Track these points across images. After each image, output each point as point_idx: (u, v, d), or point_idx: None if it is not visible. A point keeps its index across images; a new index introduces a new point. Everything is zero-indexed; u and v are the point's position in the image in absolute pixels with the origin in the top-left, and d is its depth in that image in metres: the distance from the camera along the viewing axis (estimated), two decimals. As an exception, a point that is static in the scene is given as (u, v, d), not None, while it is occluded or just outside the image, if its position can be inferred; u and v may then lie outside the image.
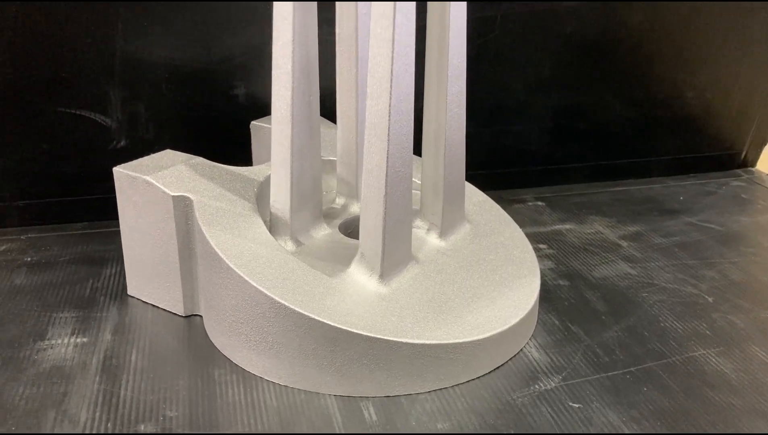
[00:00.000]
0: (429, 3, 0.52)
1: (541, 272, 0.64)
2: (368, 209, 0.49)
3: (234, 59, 0.68)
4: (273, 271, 0.48)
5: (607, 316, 0.57)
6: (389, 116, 0.46)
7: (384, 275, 0.50)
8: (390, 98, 0.46)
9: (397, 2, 0.44)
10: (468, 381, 0.49)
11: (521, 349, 0.52)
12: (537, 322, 0.56)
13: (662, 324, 0.56)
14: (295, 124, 0.51)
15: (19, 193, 0.69)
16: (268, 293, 0.46)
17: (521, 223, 0.73)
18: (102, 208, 0.71)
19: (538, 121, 0.79)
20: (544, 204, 0.79)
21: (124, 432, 0.44)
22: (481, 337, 0.48)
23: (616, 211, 0.77)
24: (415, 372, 0.47)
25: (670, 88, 0.81)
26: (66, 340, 0.53)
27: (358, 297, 0.48)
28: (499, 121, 0.78)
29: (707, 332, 0.55)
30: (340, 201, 0.61)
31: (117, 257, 0.64)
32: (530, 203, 0.79)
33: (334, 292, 0.48)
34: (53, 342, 0.53)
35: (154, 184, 0.53)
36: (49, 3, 0.62)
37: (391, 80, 0.45)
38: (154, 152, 0.61)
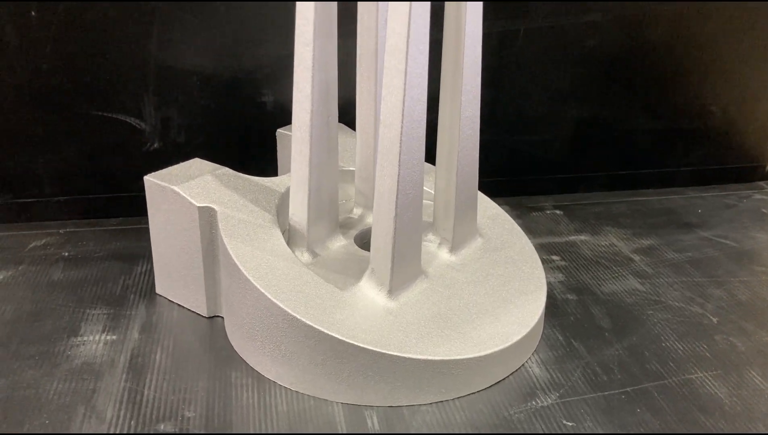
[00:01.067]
0: (444, 28, 0.54)
1: (551, 285, 0.66)
2: (379, 229, 0.52)
3: (262, 69, 0.71)
4: (288, 284, 0.51)
5: (610, 334, 0.59)
6: (400, 144, 0.48)
7: (392, 291, 0.52)
8: (401, 127, 0.48)
9: (411, 35, 0.46)
10: (469, 394, 0.51)
11: (523, 364, 0.55)
12: (541, 336, 0.58)
13: (664, 344, 0.57)
14: (314, 144, 0.54)
15: (59, 189, 0.73)
16: (282, 306, 0.49)
17: (537, 233, 0.76)
18: (136, 205, 0.75)
19: (559, 130, 0.80)
20: (562, 213, 0.80)
21: (145, 431, 0.47)
22: (482, 353, 0.50)
23: (633, 223, 0.78)
24: (417, 385, 0.49)
25: (693, 102, 0.81)
26: (97, 337, 0.57)
27: (367, 311, 0.51)
28: (520, 129, 0.79)
29: (707, 354, 0.56)
30: (357, 211, 0.64)
31: (147, 254, 0.67)
32: (548, 211, 0.81)
33: (344, 305, 0.51)
34: (85, 338, 0.57)
35: (181, 195, 0.56)
36: (88, 16, 0.65)
37: (403, 110, 0.48)
38: (185, 155, 0.65)
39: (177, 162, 0.72)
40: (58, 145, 0.71)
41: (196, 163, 0.62)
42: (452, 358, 0.49)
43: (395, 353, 0.48)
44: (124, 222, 0.76)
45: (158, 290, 0.63)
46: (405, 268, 0.53)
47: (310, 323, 0.49)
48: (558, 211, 0.81)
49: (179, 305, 0.61)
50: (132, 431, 0.47)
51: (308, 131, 0.53)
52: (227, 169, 0.61)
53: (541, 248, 0.72)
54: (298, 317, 0.49)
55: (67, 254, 0.69)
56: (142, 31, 0.67)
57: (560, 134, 0.80)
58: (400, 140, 0.48)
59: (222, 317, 0.59)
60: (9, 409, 0.49)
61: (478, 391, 0.51)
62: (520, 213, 0.80)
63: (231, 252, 0.53)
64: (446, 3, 0.53)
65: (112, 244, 0.71)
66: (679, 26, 0.76)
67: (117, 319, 0.59)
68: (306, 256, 0.57)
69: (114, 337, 0.57)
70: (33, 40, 0.66)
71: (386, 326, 0.50)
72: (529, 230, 0.76)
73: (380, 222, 0.51)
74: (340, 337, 0.48)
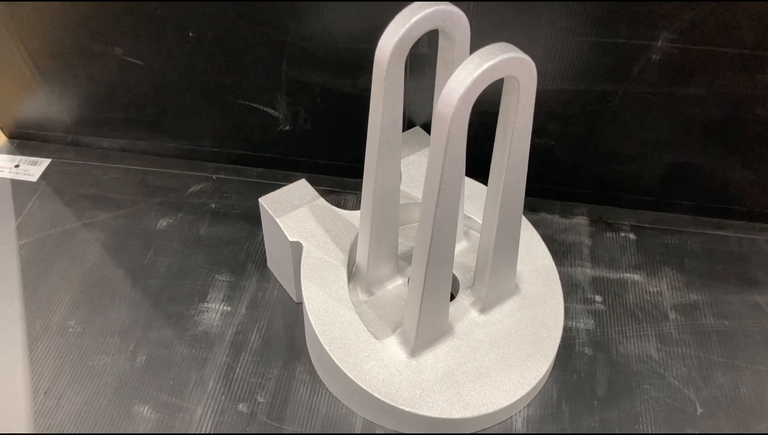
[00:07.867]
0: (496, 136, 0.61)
1: (576, 332, 0.76)
2: (411, 300, 0.66)
3: (375, 88, 0.81)
4: (337, 329, 0.68)
5: (599, 403, 0.70)
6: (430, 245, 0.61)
7: (415, 351, 0.68)
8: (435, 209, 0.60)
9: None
10: (457, 435, 0.68)
11: (512, 416, 0.69)
12: (541, 390, 0.71)
13: (638, 426, 0.68)
14: (375, 212, 0.67)
15: (215, 144, 0.92)
16: (328, 351, 0.67)
17: (598, 262, 0.83)
18: (269, 164, 0.92)
19: (652, 166, 0.83)
20: (634, 238, 0.86)
21: (230, 408, 0.69)
22: (470, 415, 0.66)
23: (695, 268, 0.82)
24: (417, 426, 0.67)
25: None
26: (217, 306, 0.78)
27: (390, 364, 0.67)
28: (612, 162, 0.83)
29: (668, 448, 0.67)
30: (422, 245, 0.77)
31: (270, 221, 0.85)
32: (623, 234, 0.86)
33: (374, 356, 0.67)
34: (209, 306, 0.78)
35: (280, 227, 0.73)
36: (231, 38, 0.79)
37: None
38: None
39: (303, 141, 0.88)
40: (212, 118, 0.88)
41: (301, 187, 0.77)
42: (443, 416, 0.65)
43: (400, 407, 0.65)
44: (264, 174, 0.93)
45: (269, 265, 0.82)
46: (429, 334, 0.68)
47: (345, 371, 0.66)
48: (631, 235, 0.86)
49: (280, 284, 0.81)
50: (222, 406, 0.70)
51: (370, 206, 0.66)
52: (322, 200, 0.76)
53: (591, 283, 0.81)
54: (337, 363, 0.67)
55: (214, 206, 0.88)
56: (276, 53, 0.79)
57: (651, 169, 0.84)
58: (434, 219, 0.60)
59: (306, 305, 0.78)
60: (150, 366, 0.73)
61: (463, 435, 0.68)
62: (595, 230, 0.87)
63: (303, 291, 0.70)
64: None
65: (249, 201, 0.89)
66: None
67: (234, 289, 0.80)
68: (363, 296, 0.73)
69: (228, 308, 0.78)
70: (191, 52, 0.80)
71: (401, 381, 0.66)
72: (593, 257, 0.84)
73: (412, 297, 0.65)
74: (363, 386, 0.66)
